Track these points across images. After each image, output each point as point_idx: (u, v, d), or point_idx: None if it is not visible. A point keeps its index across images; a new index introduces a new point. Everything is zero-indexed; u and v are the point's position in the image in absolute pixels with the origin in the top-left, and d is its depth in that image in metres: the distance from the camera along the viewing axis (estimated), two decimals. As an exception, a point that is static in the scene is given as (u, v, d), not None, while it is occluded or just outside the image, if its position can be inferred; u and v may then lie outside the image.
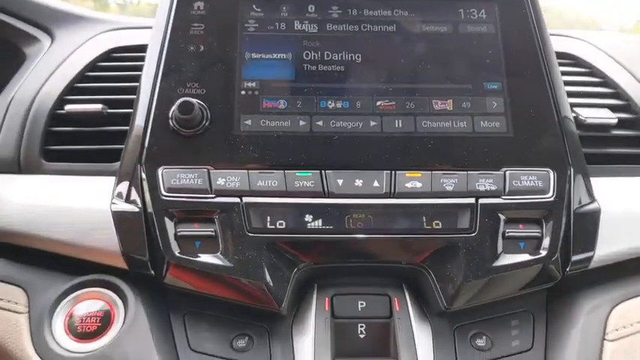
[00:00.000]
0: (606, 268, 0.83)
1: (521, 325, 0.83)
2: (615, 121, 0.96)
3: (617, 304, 0.81)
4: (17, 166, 0.92)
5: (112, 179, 0.83)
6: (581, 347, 0.78)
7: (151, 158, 0.79)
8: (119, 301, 0.83)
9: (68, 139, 0.94)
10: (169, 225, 0.79)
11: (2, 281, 0.85)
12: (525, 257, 0.79)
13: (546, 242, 0.79)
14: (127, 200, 0.80)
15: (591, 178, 0.84)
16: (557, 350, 0.80)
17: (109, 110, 0.95)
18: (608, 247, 0.82)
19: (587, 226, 0.82)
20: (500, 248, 0.79)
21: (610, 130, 0.97)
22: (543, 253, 0.79)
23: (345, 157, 0.80)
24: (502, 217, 0.79)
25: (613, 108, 0.99)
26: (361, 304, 0.83)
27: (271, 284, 0.78)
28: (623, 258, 0.83)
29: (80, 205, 0.84)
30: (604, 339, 0.78)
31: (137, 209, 0.79)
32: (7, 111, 0.96)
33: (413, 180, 0.79)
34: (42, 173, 0.92)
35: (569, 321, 0.81)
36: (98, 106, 0.95)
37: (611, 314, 0.80)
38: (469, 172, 0.79)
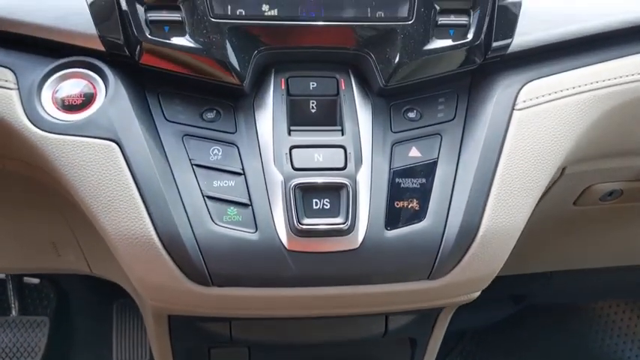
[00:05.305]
0: (522, 57, 0.98)
1: (447, 102, 0.98)
2: None
3: (528, 82, 0.96)
4: None
5: None
6: (493, 115, 0.94)
7: None
8: (100, 81, 0.93)
9: None
10: (140, 10, 0.89)
11: None
12: (453, 42, 0.93)
13: (472, 30, 0.93)
14: None
15: None
16: (473, 118, 0.96)
17: None
18: (525, 36, 0.96)
19: (508, 16, 0.95)
20: (432, 35, 0.92)
21: None
22: (469, 38, 0.93)
23: None
24: (437, 7, 0.92)
25: None
26: (312, 84, 0.96)
27: (233, 63, 0.91)
28: (536, 45, 0.97)
29: None
30: (513, 109, 0.94)
31: None
32: None
33: None
34: None
35: (485, 97, 0.96)
36: None
37: (522, 90, 0.95)
38: None
